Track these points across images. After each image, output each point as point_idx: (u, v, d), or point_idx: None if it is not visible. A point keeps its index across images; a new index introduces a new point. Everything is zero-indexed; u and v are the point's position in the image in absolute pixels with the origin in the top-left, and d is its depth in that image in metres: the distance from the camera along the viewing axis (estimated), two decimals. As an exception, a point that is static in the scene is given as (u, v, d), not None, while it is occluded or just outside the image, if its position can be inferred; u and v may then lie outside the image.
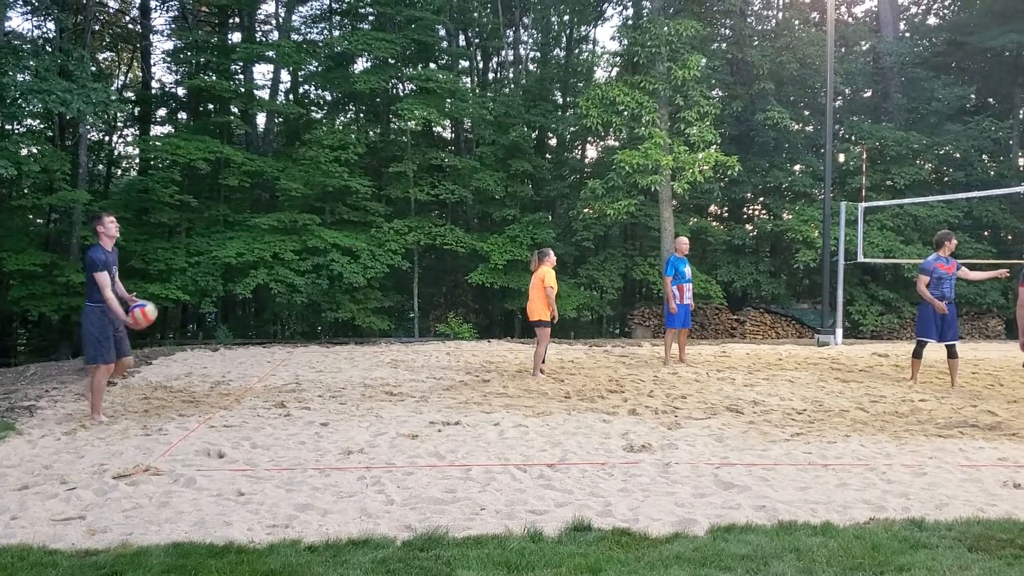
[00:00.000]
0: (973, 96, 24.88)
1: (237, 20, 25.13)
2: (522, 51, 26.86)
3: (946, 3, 27.60)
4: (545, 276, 10.67)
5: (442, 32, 25.04)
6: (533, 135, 24.00)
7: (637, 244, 24.11)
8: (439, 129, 24.82)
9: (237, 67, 22.95)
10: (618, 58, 22.94)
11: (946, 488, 5.33)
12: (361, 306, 19.92)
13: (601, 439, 6.78)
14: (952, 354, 10.16)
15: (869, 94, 25.81)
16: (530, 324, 11.10)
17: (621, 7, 26.57)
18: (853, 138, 23.03)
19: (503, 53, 26.68)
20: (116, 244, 7.91)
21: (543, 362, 11.00)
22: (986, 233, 23.24)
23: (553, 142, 26.29)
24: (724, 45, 24.17)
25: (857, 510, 4.80)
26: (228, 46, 22.84)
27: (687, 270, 12.25)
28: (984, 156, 23.68)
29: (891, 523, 4.51)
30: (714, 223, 24.72)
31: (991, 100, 25.22)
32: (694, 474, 5.62)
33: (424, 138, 23.34)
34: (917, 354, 10.41)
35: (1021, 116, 24.91)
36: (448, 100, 21.76)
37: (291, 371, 11.44)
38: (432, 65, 23.33)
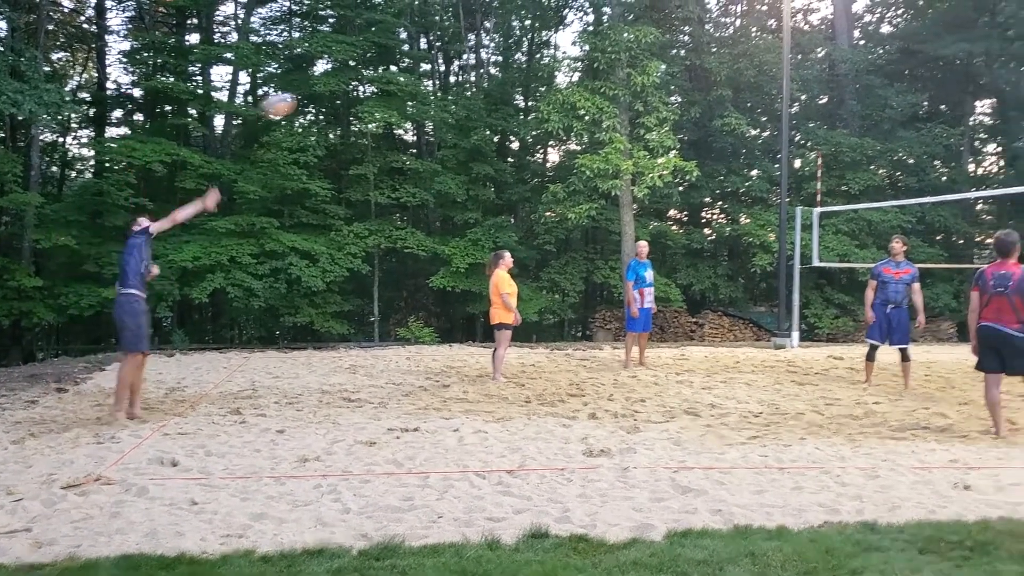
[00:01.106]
0: (926, 103, 25.40)
1: (195, 21, 24.81)
2: (484, 55, 26.88)
3: (899, 12, 28.11)
4: (500, 281, 10.62)
5: (403, 35, 24.97)
6: (495, 139, 24.01)
7: (598, 248, 24.23)
8: (400, 132, 24.73)
9: (195, 68, 22.68)
10: (579, 63, 23.06)
11: (899, 490, 5.40)
12: (320, 310, 19.77)
13: (561, 444, 6.77)
14: (905, 357, 10.32)
15: (825, 101, 26.21)
16: (491, 327, 11.07)
17: (582, 13, 26.71)
18: (809, 144, 23.38)
19: (465, 57, 26.67)
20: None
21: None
22: (939, 238, 23.73)
23: (515, 146, 26.33)
24: (683, 52, 24.40)
25: (812, 513, 4.84)
26: (186, 47, 22.58)
27: (648, 274, 12.32)
28: (936, 162, 24.18)
29: (845, 526, 4.55)
30: (674, 227, 24.94)
31: (943, 107, 25.75)
32: (652, 478, 5.64)
33: (385, 141, 23.26)
34: (870, 357, 10.57)
35: (971, 123, 25.46)
36: (409, 103, 21.71)
37: (247, 377, 11.30)
38: (393, 68, 23.25)
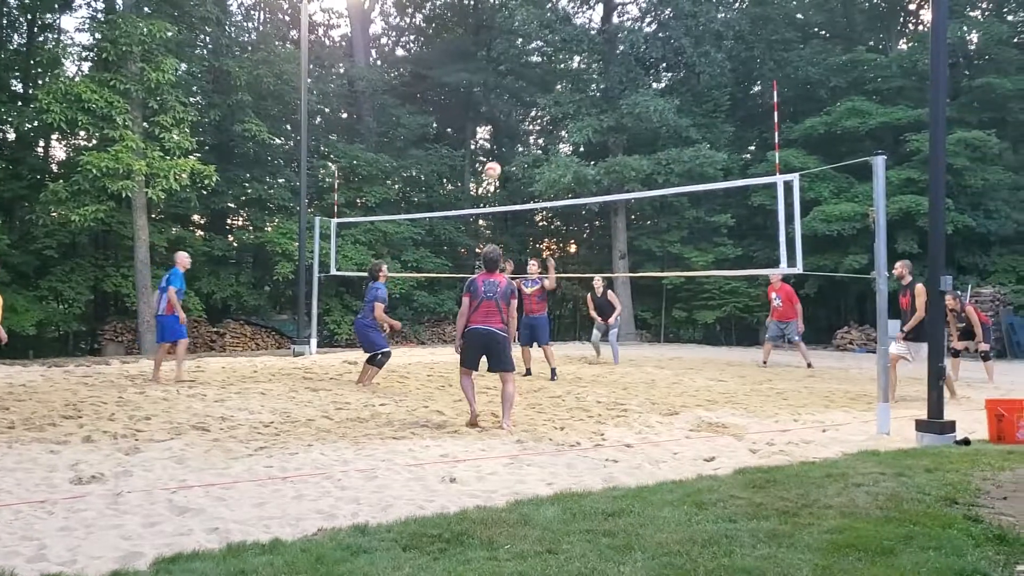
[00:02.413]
0: (435, 125, 27.72)
1: None
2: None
3: (411, 38, 30.30)
4: None
5: None
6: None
7: (110, 254, 22.36)
8: None
9: None
10: (89, 53, 21.11)
11: (394, 489, 5.71)
12: None
13: (45, 473, 6.08)
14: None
15: (345, 116, 27.22)
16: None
17: (90, -2, 24.41)
18: (332, 156, 24.09)
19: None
20: None
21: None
22: (446, 248, 25.99)
23: (11, 137, 23.19)
24: (206, 52, 23.60)
25: (309, 521, 4.89)
26: None
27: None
28: (444, 180, 26.47)
29: (338, 531, 4.65)
30: (197, 233, 23.98)
31: (449, 130, 28.29)
32: (147, 502, 5.32)
33: None
34: (382, 364, 11.33)
35: (473, 146, 28.38)
36: None
37: None
38: None
